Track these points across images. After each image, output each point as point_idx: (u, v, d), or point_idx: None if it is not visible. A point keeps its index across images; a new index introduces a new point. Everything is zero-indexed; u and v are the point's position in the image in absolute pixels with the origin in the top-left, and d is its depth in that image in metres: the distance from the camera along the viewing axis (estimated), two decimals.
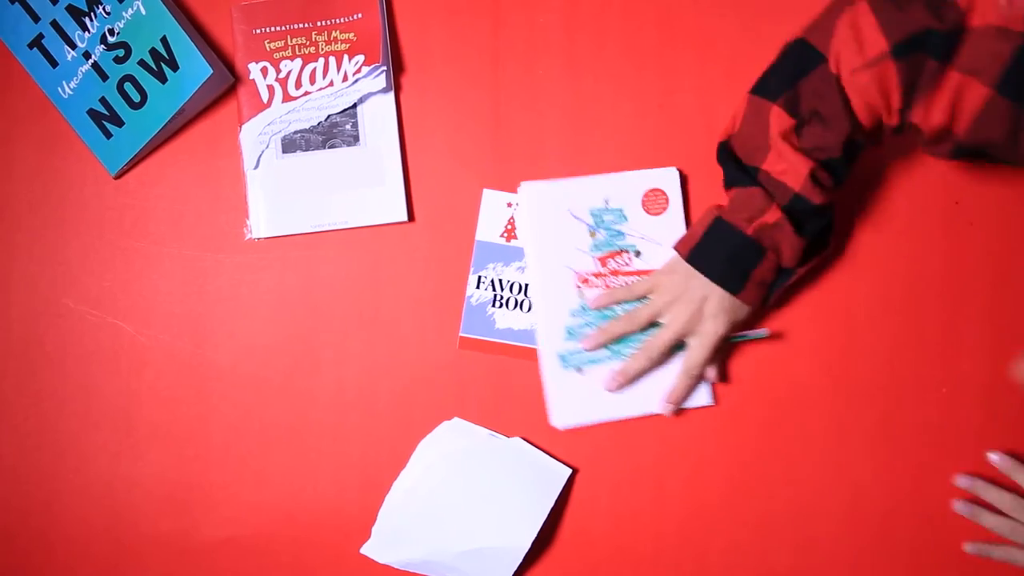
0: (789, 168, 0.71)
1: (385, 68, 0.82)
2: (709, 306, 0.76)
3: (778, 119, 0.71)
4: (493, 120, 0.83)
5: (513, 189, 0.82)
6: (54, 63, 0.81)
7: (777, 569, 0.82)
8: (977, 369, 0.82)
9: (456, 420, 0.82)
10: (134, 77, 0.80)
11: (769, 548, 0.82)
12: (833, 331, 0.82)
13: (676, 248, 0.78)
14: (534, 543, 0.80)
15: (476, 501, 0.80)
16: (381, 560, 0.81)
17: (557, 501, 0.81)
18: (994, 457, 0.80)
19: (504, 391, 0.82)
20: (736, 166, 0.75)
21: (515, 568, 0.80)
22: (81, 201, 0.84)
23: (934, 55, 0.65)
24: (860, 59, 0.67)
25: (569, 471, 0.81)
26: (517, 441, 0.81)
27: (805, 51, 0.70)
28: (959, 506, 0.81)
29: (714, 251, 0.75)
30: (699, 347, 0.78)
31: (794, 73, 0.71)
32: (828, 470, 0.82)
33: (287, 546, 0.83)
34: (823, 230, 0.76)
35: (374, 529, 0.81)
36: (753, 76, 0.74)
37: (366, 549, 0.81)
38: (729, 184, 0.76)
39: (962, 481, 0.81)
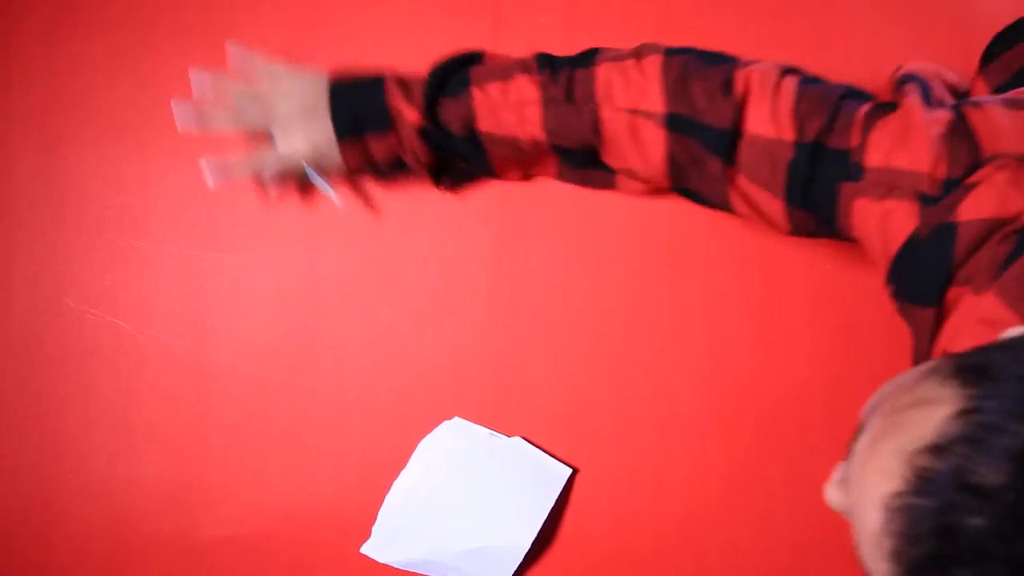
0: (505, 103, 0.69)
1: None
2: (311, 130, 0.73)
3: (528, 83, 0.69)
4: None
5: None
6: None
7: (777, 569, 0.82)
8: None
9: (456, 420, 0.82)
10: None
11: (769, 548, 0.82)
12: (831, 332, 0.82)
13: (328, 74, 0.74)
14: (534, 543, 0.80)
15: (476, 501, 0.80)
16: (381, 560, 0.81)
17: (557, 501, 0.81)
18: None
19: (504, 391, 0.82)
20: (457, 67, 0.72)
21: (515, 568, 0.80)
22: (81, 201, 0.84)
23: (716, 151, 0.64)
24: (628, 103, 0.66)
25: (569, 471, 0.81)
26: (517, 441, 0.81)
27: (590, 54, 0.69)
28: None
29: (353, 95, 0.72)
30: (280, 156, 0.74)
31: (573, 62, 0.69)
32: (828, 470, 0.82)
33: (287, 546, 0.83)
34: (466, 158, 0.74)
35: (374, 529, 0.81)
36: None
37: (366, 549, 0.81)
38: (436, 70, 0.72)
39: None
